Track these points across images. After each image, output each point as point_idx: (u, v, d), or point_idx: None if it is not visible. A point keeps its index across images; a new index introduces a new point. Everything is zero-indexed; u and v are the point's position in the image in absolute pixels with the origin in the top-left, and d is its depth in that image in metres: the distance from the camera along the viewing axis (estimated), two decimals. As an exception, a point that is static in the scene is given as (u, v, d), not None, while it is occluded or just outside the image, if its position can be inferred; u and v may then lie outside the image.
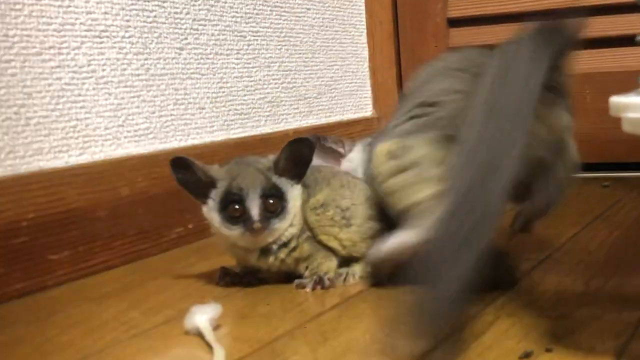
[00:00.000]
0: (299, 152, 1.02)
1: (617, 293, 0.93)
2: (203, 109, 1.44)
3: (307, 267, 1.04)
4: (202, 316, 0.88)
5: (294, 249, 1.03)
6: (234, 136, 1.51)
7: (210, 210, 1.02)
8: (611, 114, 0.65)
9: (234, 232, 1.00)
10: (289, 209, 1.01)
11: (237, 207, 0.99)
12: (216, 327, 0.88)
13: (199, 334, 0.86)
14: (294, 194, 1.02)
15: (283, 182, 1.02)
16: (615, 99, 0.64)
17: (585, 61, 1.80)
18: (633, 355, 0.73)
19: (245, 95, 1.55)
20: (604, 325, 0.82)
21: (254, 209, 0.98)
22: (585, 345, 0.77)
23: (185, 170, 1.02)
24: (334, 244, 1.04)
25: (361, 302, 0.97)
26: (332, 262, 1.05)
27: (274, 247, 1.02)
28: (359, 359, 0.78)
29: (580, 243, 1.18)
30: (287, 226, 1.02)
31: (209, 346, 0.82)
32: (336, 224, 1.04)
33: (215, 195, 1.01)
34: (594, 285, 0.96)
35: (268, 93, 1.62)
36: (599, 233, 1.24)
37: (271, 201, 1.00)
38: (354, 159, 1.23)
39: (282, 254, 1.03)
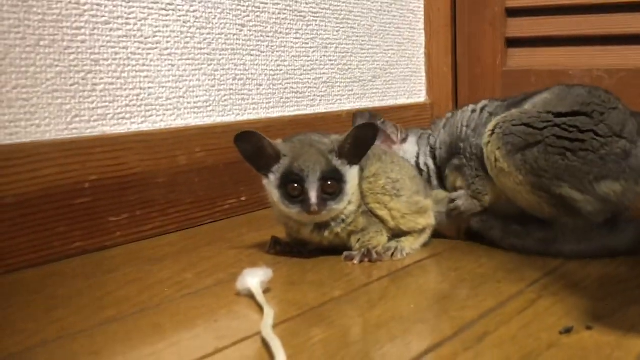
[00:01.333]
0: (364, 137, 1.04)
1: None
2: (261, 85, 1.47)
3: (358, 240, 1.07)
4: (254, 279, 0.91)
5: (350, 223, 1.06)
6: (289, 114, 1.55)
7: (270, 185, 1.05)
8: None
9: (292, 210, 1.03)
10: (347, 191, 1.04)
11: (296, 186, 1.02)
12: (266, 290, 0.91)
13: (250, 295, 0.90)
14: (353, 174, 1.05)
15: (343, 164, 1.04)
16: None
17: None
18: (673, 337, 0.75)
19: (301, 74, 1.58)
20: (646, 308, 0.83)
21: (313, 192, 1.01)
22: (625, 325, 0.78)
23: (250, 144, 1.05)
24: (383, 212, 1.07)
25: (407, 276, 1.00)
26: (383, 237, 1.08)
27: (332, 223, 1.06)
28: (403, 326, 0.80)
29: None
30: (344, 207, 1.05)
31: (259, 307, 0.85)
32: (387, 192, 1.07)
33: (277, 170, 1.04)
34: (637, 271, 0.97)
35: (324, 74, 1.64)
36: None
37: (330, 183, 1.02)
38: (407, 150, 1.26)
39: (338, 229, 1.06)
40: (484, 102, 1.20)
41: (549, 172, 1.03)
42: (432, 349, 0.73)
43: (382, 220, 1.08)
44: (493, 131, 1.08)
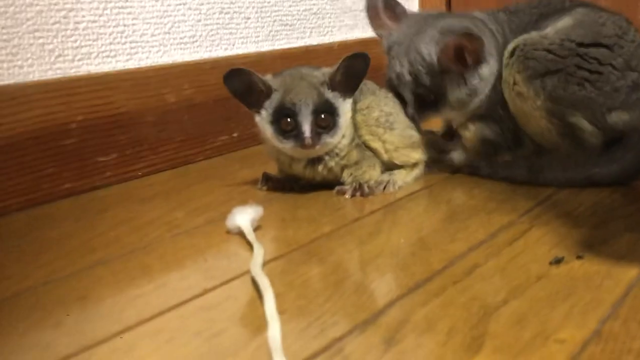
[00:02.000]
0: (355, 67, 1.02)
1: (654, 207, 0.93)
2: (248, 18, 1.44)
3: (350, 174, 1.06)
4: (244, 216, 0.90)
5: (343, 157, 1.05)
6: (279, 47, 1.52)
7: (263, 120, 1.04)
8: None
9: (286, 145, 1.02)
10: (341, 124, 1.02)
11: (289, 120, 1.01)
12: (256, 228, 0.91)
13: (240, 234, 0.89)
14: (346, 108, 1.04)
15: (335, 97, 1.03)
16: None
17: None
18: (663, 265, 0.74)
19: (290, 6, 1.55)
20: (637, 236, 0.83)
21: (306, 125, 1.00)
22: (615, 254, 0.78)
23: (239, 81, 1.03)
24: (377, 144, 1.06)
25: (399, 209, 0.99)
26: (375, 171, 1.07)
27: (326, 157, 1.05)
28: (393, 261, 0.80)
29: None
30: (338, 140, 1.03)
31: (249, 245, 0.85)
32: (380, 125, 1.06)
33: (268, 106, 1.03)
34: (630, 200, 0.97)
35: (314, 4, 1.61)
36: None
37: (323, 116, 1.01)
38: None
39: (331, 163, 1.05)
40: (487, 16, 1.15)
41: (566, 100, 1.04)
42: (421, 284, 0.73)
43: (375, 153, 1.07)
44: (513, 53, 1.06)
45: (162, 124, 1.25)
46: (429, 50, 1.07)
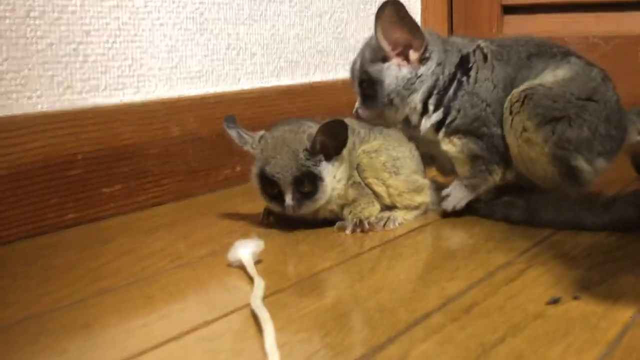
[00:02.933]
0: (334, 134, 1.02)
1: (650, 250, 0.94)
2: (255, 54, 1.47)
3: (350, 212, 1.07)
4: (245, 250, 0.92)
5: (340, 196, 1.06)
6: (284, 83, 1.54)
7: (253, 174, 1.07)
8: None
9: (272, 206, 1.06)
10: (324, 188, 1.04)
11: (272, 188, 1.04)
12: (258, 262, 0.92)
13: (241, 267, 0.90)
14: (330, 170, 1.04)
15: (318, 162, 1.03)
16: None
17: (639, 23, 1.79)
18: (659, 307, 0.75)
19: (296, 43, 1.57)
20: (632, 279, 0.84)
21: (288, 194, 1.02)
22: (612, 296, 0.79)
23: (235, 127, 1.09)
24: (380, 189, 1.08)
25: (399, 246, 1.00)
26: (375, 208, 1.09)
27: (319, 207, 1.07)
28: (392, 297, 0.81)
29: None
30: (323, 201, 1.05)
31: (250, 278, 0.86)
32: (387, 169, 1.08)
33: (256, 164, 1.06)
34: (626, 242, 0.98)
35: (319, 42, 1.64)
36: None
37: (305, 185, 1.03)
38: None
39: (330, 206, 1.07)
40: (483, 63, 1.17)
41: (572, 144, 1.09)
42: (420, 321, 0.74)
43: (377, 195, 1.08)
44: (523, 102, 1.09)
45: (166, 157, 1.26)
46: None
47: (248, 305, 0.78)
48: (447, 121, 1.13)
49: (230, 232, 1.07)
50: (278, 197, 1.03)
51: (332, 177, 1.05)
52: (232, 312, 0.78)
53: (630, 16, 1.80)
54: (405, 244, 1.01)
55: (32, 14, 1.08)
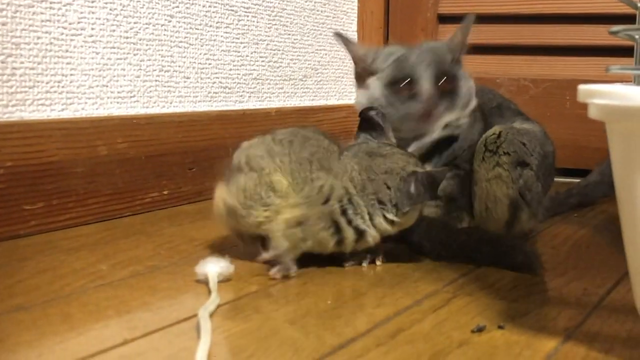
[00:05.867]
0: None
1: (573, 285, 0.95)
2: (188, 78, 1.45)
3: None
4: (214, 266, 0.92)
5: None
6: (216, 108, 1.53)
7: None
8: (579, 100, 0.67)
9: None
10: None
11: None
12: (225, 280, 0.92)
13: (206, 281, 0.90)
14: None
15: None
16: (583, 86, 0.66)
17: (569, 68, 1.84)
18: (581, 338, 0.76)
19: (231, 69, 1.57)
20: (556, 311, 0.85)
21: None
22: (536, 326, 0.79)
23: None
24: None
25: (327, 272, 0.99)
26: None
27: None
28: (318, 321, 0.80)
29: (545, 238, 1.21)
30: None
31: (173, 299, 0.84)
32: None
33: None
34: (551, 276, 0.99)
35: (254, 70, 1.63)
36: (564, 231, 1.27)
37: None
38: None
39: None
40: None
41: (530, 194, 1.10)
42: (345, 345, 0.73)
43: None
44: (499, 135, 1.10)
45: (92, 176, 1.23)
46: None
47: (169, 325, 0.77)
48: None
49: (155, 255, 1.05)
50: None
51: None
52: (154, 332, 0.76)
53: (561, 61, 1.85)
54: (333, 270, 1.00)
55: (-42, 22, 1.05)
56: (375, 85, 1.12)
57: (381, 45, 1.23)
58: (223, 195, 1.00)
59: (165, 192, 1.37)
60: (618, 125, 0.66)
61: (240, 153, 1.02)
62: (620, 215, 0.68)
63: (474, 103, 1.14)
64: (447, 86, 1.10)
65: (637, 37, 0.71)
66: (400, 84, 1.09)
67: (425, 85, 1.08)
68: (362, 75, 1.15)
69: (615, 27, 0.67)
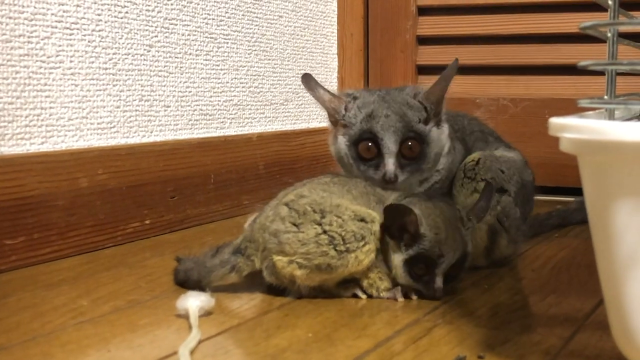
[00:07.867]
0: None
1: (553, 310, 0.96)
2: (168, 107, 1.46)
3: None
4: (195, 301, 0.91)
5: None
6: (198, 136, 1.53)
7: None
8: (550, 133, 0.68)
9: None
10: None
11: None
12: (206, 315, 0.92)
13: (186, 316, 0.90)
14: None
15: None
16: (554, 120, 0.67)
17: (547, 86, 1.85)
18: (560, 367, 0.77)
19: (211, 96, 1.57)
20: (536, 338, 0.85)
21: None
22: (516, 354, 0.80)
23: None
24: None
25: (307, 304, 0.99)
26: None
27: None
28: (298, 356, 0.80)
29: (525, 260, 1.22)
30: None
31: (154, 337, 0.84)
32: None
33: None
34: (531, 301, 1.00)
35: (234, 96, 1.64)
36: (545, 252, 1.27)
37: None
38: None
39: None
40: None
41: (508, 221, 1.12)
42: (325, 380, 0.73)
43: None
44: (477, 162, 1.12)
45: (72, 209, 1.23)
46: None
47: (150, 364, 0.76)
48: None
49: (136, 288, 1.05)
50: None
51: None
52: (133, 371, 0.76)
53: (539, 80, 1.87)
54: (313, 302, 1.00)
55: None
56: (342, 141, 1.10)
57: (352, 89, 1.19)
58: (295, 259, 0.97)
59: (147, 222, 1.37)
60: (590, 158, 0.67)
61: (284, 211, 0.99)
62: (594, 246, 0.69)
63: (444, 161, 1.12)
64: (412, 153, 1.06)
65: (609, 34, 0.71)
66: (365, 147, 1.07)
67: (388, 155, 1.05)
68: (333, 122, 1.15)
69: (586, 23, 0.67)
